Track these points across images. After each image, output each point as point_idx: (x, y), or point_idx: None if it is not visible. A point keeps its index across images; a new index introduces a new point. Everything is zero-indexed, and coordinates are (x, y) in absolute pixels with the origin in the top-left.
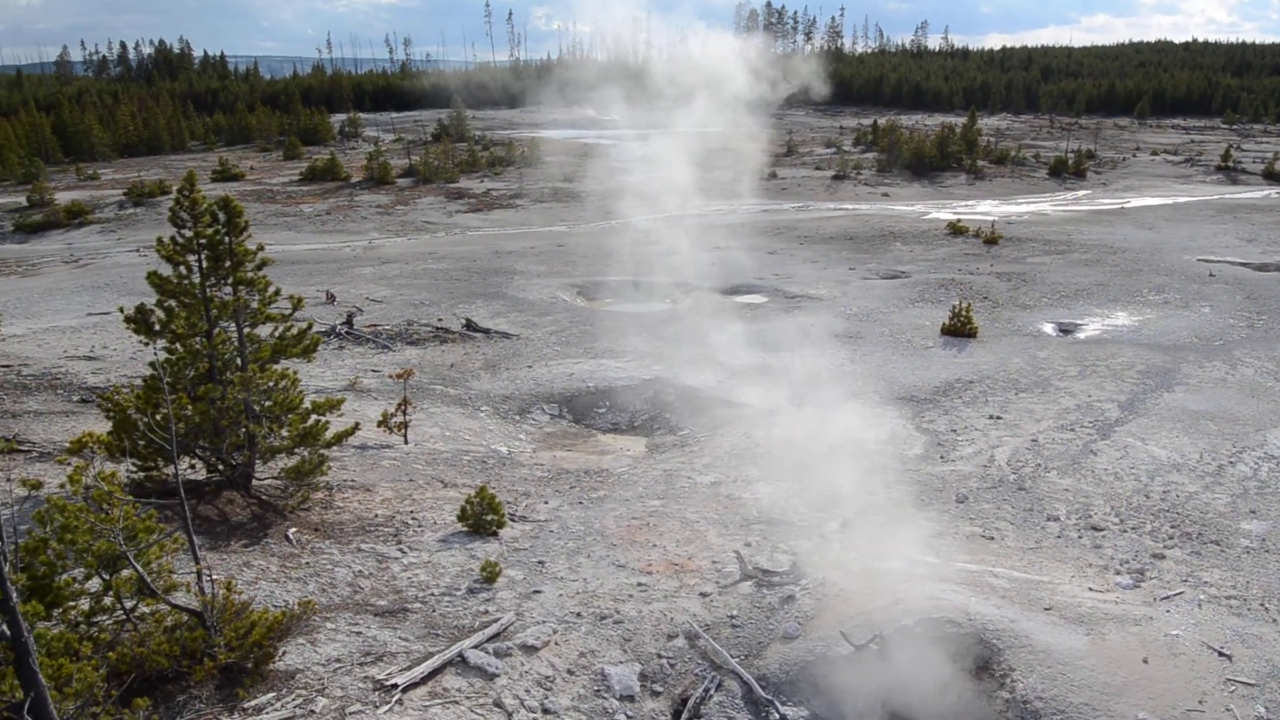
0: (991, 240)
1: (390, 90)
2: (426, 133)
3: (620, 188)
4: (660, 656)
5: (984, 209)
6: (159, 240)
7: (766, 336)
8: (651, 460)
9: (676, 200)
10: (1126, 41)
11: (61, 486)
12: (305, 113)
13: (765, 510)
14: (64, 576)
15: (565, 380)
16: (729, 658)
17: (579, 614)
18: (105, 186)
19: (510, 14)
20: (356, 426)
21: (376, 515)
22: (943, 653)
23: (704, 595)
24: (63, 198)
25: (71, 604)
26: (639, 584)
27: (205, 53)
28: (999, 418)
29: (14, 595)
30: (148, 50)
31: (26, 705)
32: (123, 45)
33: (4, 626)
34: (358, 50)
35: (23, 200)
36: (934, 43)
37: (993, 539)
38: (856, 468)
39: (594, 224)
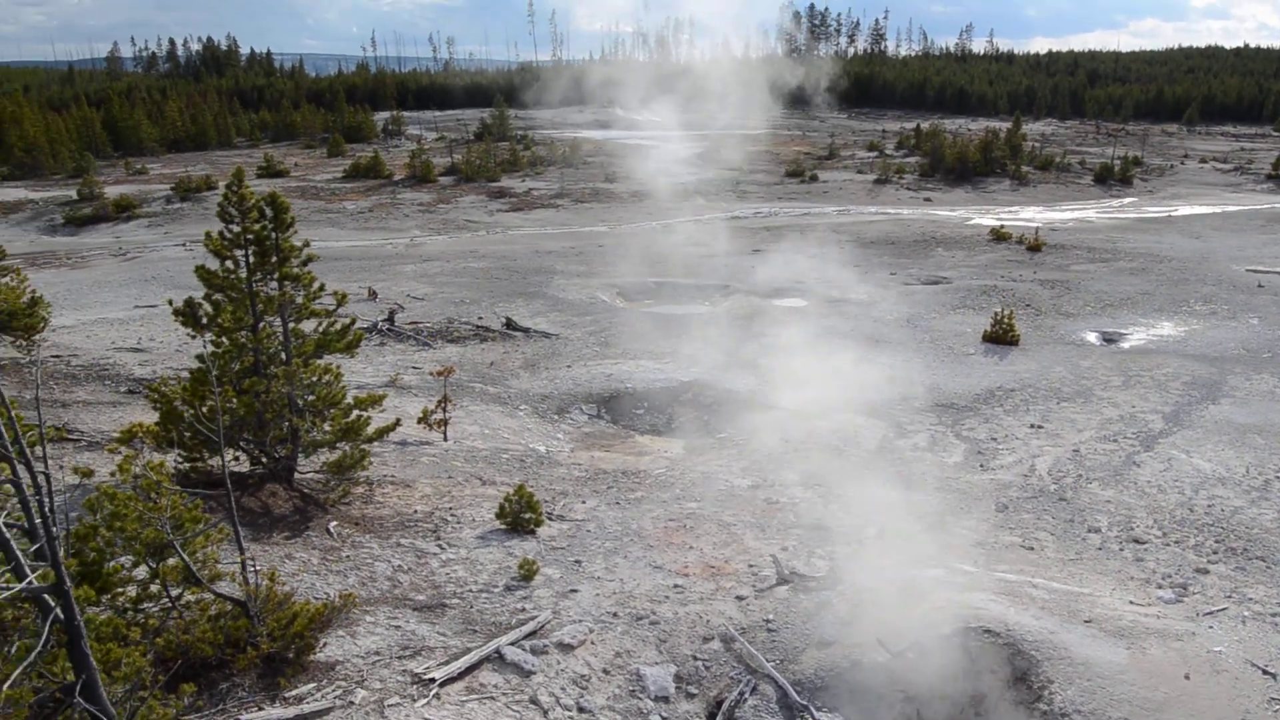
0: (1035, 247)
1: (433, 89)
2: (469, 131)
3: (661, 189)
4: (696, 658)
5: (1028, 215)
6: (207, 234)
7: (806, 340)
8: (689, 462)
9: (717, 202)
10: (1176, 46)
11: (112, 475)
12: (349, 110)
13: (803, 515)
14: (113, 563)
15: (604, 381)
16: (764, 661)
17: (615, 614)
18: (153, 181)
19: (553, 14)
20: (398, 422)
21: (416, 511)
22: (980, 663)
23: (740, 599)
24: (112, 192)
25: (120, 590)
26: (675, 585)
27: (252, 50)
28: (1040, 427)
29: (68, 580)
30: (196, 47)
31: (78, 687)
32: (171, 42)
33: (58, 610)
34: (402, 49)
35: (73, 194)
36: (979, 46)
37: (1032, 549)
38: (895, 474)
39: (635, 225)
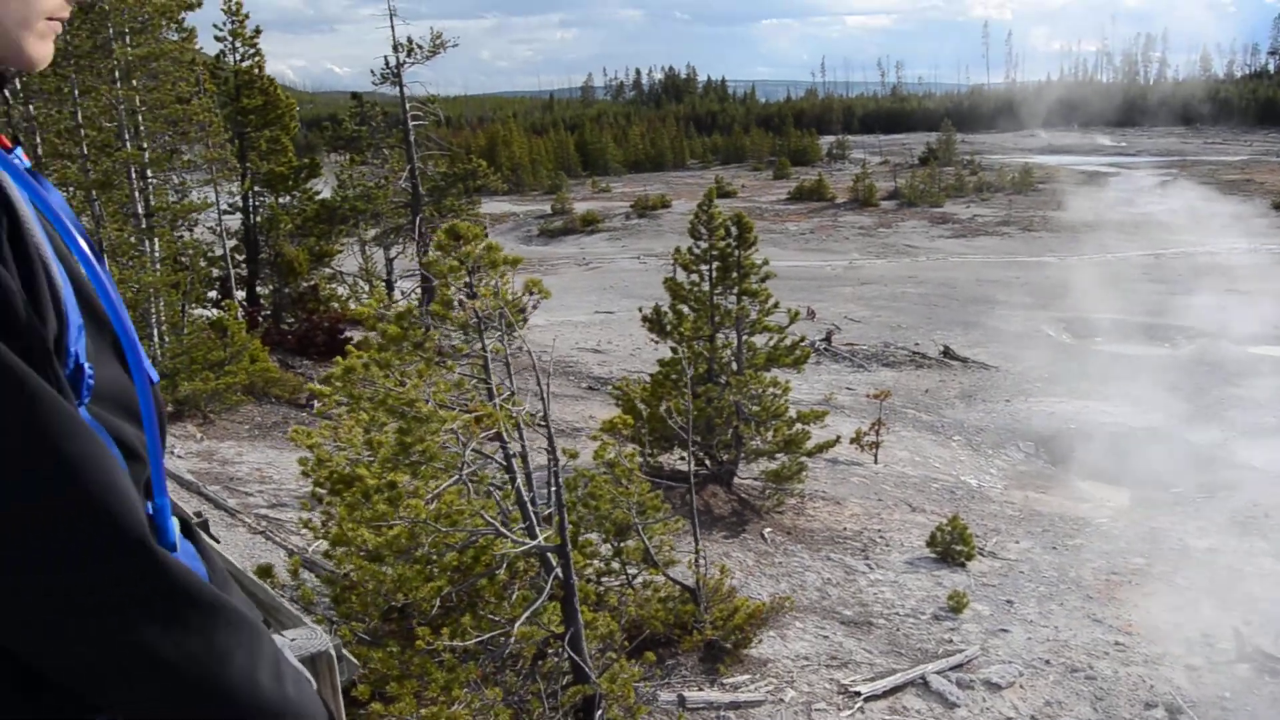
0: None
1: (879, 113)
2: (913, 156)
3: (1120, 219)
4: None
5: None
6: (677, 250)
7: None
8: (1136, 515)
9: (1182, 234)
10: None
11: (595, 459)
12: (795, 134)
13: (1273, 589)
14: (584, 537)
15: (1044, 419)
16: None
17: (1048, 661)
18: (614, 199)
19: (1009, 34)
20: (838, 439)
21: (845, 528)
22: None
23: (1190, 668)
24: (579, 207)
25: (587, 563)
26: (1116, 643)
27: (708, 78)
28: None
29: (569, 544)
30: (658, 76)
31: (567, 637)
32: (637, 72)
33: (559, 569)
34: (850, 74)
35: (547, 208)
36: None
37: None
38: None
39: (1087, 256)
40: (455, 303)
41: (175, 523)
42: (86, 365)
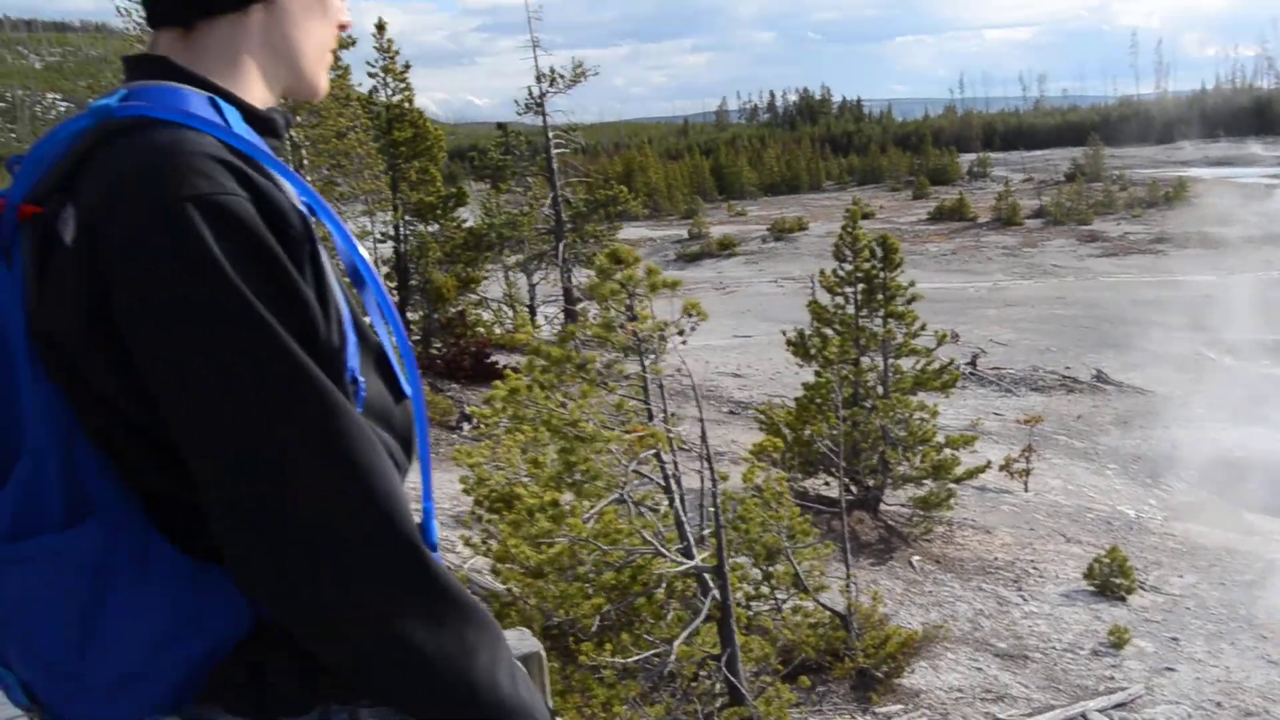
0: None
1: (1021, 129)
2: (1058, 172)
3: None
4: None
5: None
6: (821, 272)
7: None
8: None
9: None
10: None
11: (742, 481)
12: (934, 153)
13: None
14: (734, 560)
15: (1208, 446)
16: None
17: (1219, 704)
18: (750, 222)
19: (1159, 42)
20: (987, 465)
21: (996, 558)
22: None
23: None
24: (716, 231)
25: (739, 586)
26: None
27: (843, 98)
28: None
29: (727, 565)
30: (793, 98)
31: (724, 658)
32: (771, 94)
33: (715, 590)
34: (989, 89)
35: (684, 233)
36: None
37: None
38: None
39: (1251, 274)
40: (617, 325)
41: (437, 526)
42: (361, 379)
